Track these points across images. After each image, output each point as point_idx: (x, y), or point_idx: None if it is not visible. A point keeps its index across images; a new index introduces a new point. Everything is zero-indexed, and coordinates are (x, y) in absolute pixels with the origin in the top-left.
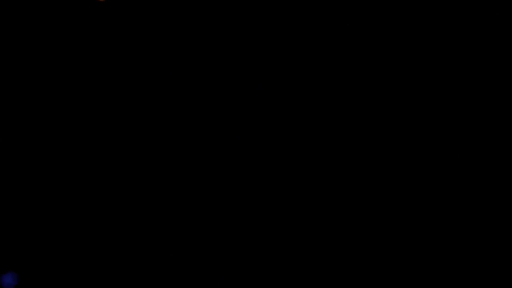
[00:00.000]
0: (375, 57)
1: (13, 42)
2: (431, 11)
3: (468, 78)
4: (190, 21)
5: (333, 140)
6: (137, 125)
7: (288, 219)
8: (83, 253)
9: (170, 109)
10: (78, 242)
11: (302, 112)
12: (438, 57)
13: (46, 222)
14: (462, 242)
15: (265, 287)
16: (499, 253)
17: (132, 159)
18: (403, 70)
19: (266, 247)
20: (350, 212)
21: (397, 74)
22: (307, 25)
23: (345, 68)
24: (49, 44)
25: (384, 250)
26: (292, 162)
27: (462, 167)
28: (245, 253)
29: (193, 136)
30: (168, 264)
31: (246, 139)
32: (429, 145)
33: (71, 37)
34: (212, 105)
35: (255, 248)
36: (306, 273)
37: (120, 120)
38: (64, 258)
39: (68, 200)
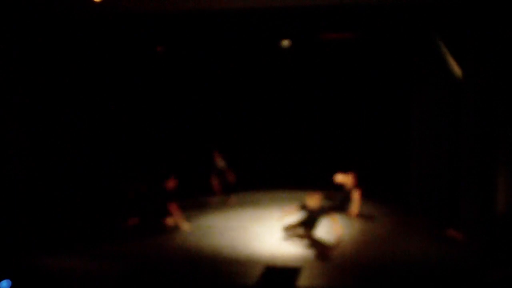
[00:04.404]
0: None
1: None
2: None
3: None
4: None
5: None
6: (137, 125)
7: None
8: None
9: (171, 109)
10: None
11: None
12: None
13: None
14: None
15: None
16: None
17: (131, 159)
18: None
19: None
20: None
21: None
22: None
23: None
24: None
25: None
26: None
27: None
28: None
29: (192, 136)
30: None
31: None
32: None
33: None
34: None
35: None
36: None
37: (120, 120)
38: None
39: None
